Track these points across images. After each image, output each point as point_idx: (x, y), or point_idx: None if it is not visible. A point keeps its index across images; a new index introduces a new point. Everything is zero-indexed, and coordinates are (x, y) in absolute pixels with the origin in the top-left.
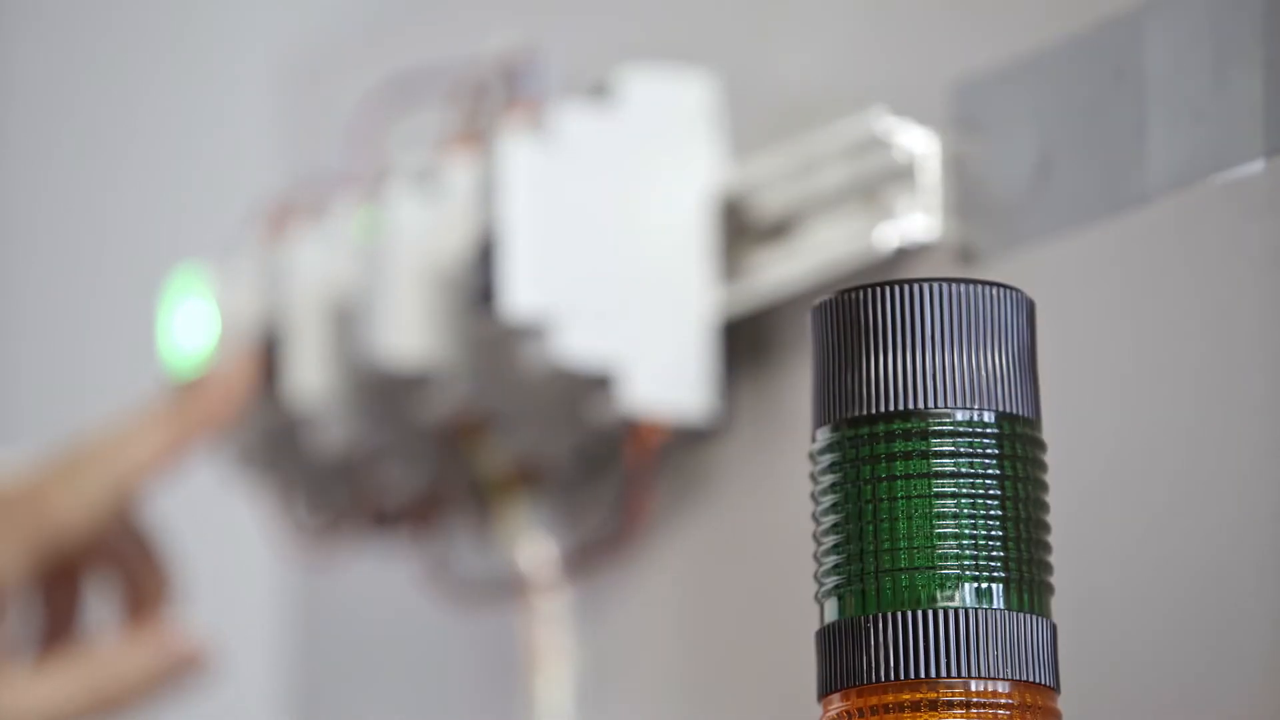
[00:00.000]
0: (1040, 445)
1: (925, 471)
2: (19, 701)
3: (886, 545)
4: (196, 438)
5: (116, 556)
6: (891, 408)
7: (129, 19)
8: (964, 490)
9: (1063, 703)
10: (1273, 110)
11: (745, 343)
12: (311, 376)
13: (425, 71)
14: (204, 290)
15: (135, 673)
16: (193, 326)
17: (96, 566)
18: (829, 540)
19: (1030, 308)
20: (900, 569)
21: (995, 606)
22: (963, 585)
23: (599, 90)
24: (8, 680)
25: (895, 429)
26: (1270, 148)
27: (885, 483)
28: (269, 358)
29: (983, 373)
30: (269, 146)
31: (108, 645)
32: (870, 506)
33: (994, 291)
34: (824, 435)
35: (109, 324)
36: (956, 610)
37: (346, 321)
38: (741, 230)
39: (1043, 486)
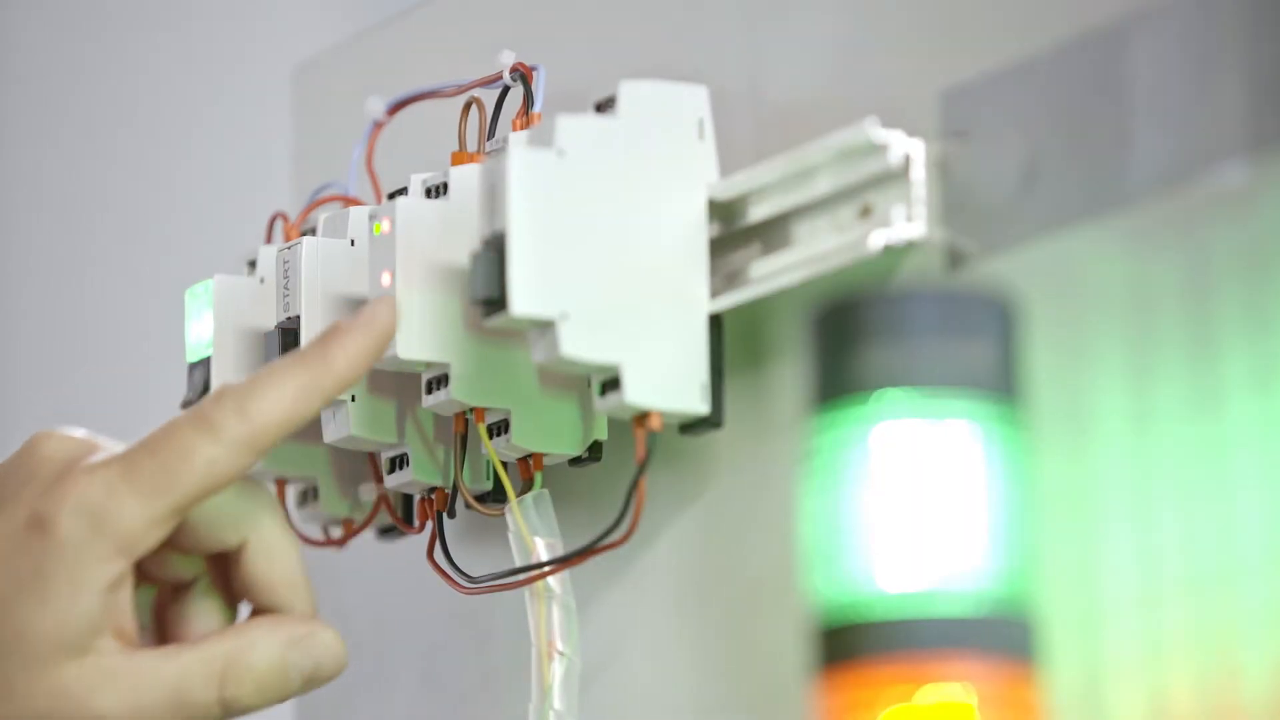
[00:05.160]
0: (1027, 442)
1: (914, 465)
2: (144, 683)
3: (876, 536)
4: (332, 388)
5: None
6: (881, 404)
7: (145, 29)
8: (952, 483)
9: (1054, 695)
10: (1255, 116)
11: (741, 340)
12: None
13: (435, 85)
14: (220, 301)
15: (265, 663)
16: (210, 339)
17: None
18: (820, 531)
19: (1016, 309)
20: (890, 559)
21: (985, 595)
22: (952, 574)
23: (604, 104)
24: (135, 659)
25: (885, 425)
26: (1252, 153)
27: (875, 476)
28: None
29: (970, 372)
30: (283, 156)
31: (239, 632)
32: (860, 499)
33: (980, 294)
34: (817, 430)
35: (123, 336)
36: (946, 598)
37: None
38: (736, 234)
39: (1030, 481)
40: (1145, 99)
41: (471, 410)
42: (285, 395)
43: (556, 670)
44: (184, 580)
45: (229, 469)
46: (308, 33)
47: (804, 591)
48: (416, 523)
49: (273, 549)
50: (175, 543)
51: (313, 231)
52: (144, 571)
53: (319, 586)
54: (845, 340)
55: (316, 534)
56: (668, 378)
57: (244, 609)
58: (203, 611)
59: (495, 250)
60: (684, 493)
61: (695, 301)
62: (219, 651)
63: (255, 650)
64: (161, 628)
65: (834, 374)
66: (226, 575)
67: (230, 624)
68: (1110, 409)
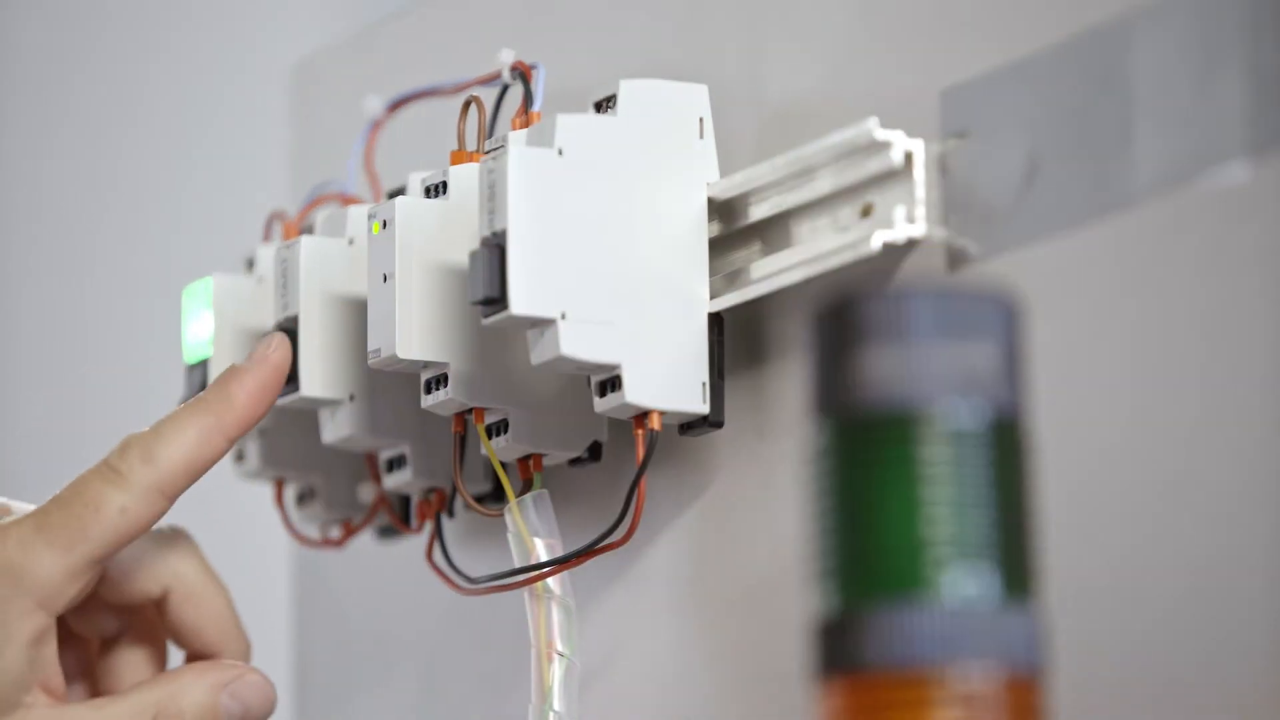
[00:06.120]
0: (1028, 442)
1: (916, 466)
2: None
3: (878, 538)
4: (235, 426)
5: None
6: (883, 404)
7: (143, 28)
8: (954, 484)
9: (1057, 695)
10: (1257, 115)
11: (741, 340)
12: (324, 374)
13: (434, 84)
14: (219, 300)
15: (195, 708)
16: (208, 337)
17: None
18: (822, 532)
19: (1017, 309)
20: (891, 561)
21: (986, 597)
22: (953, 576)
23: (604, 103)
24: (65, 713)
25: (887, 425)
26: (1255, 152)
27: (877, 477)
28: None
29: (971, 372)
30: (281, 155)
31: (168, 679)
32: (862, 500)
33: (982, 294)
34: (818, 430)
35: (121, 334)
36: (947, 600)
37: (359, 319)
38: (736, 233)
39: (1031, 482)
40: (1146, 98)
41: (471, 410)
42: (190, 439)
43: (556, 671)
44: (111, 634)
45: (141, 516)
46: (306, 31)
47: (804, 593)
48: (415, 523)
49: (196, 594)
50: (99, 597)
51: (311, 230)
52: (71, 628)
53: (318, 587)
54: (845, 340)
55: (315, 534)
56: (668, 378)
57: (175, 657)
58: (132, 663)
59: (495, 249)
60: (684, 493)
61: (695, 301)
62: (149, 700)
63: (185, 696)
64: (94, 683)
65: (834, 374)
66: (154, 625)
67: (161, 672)
68: (1110, 409)
